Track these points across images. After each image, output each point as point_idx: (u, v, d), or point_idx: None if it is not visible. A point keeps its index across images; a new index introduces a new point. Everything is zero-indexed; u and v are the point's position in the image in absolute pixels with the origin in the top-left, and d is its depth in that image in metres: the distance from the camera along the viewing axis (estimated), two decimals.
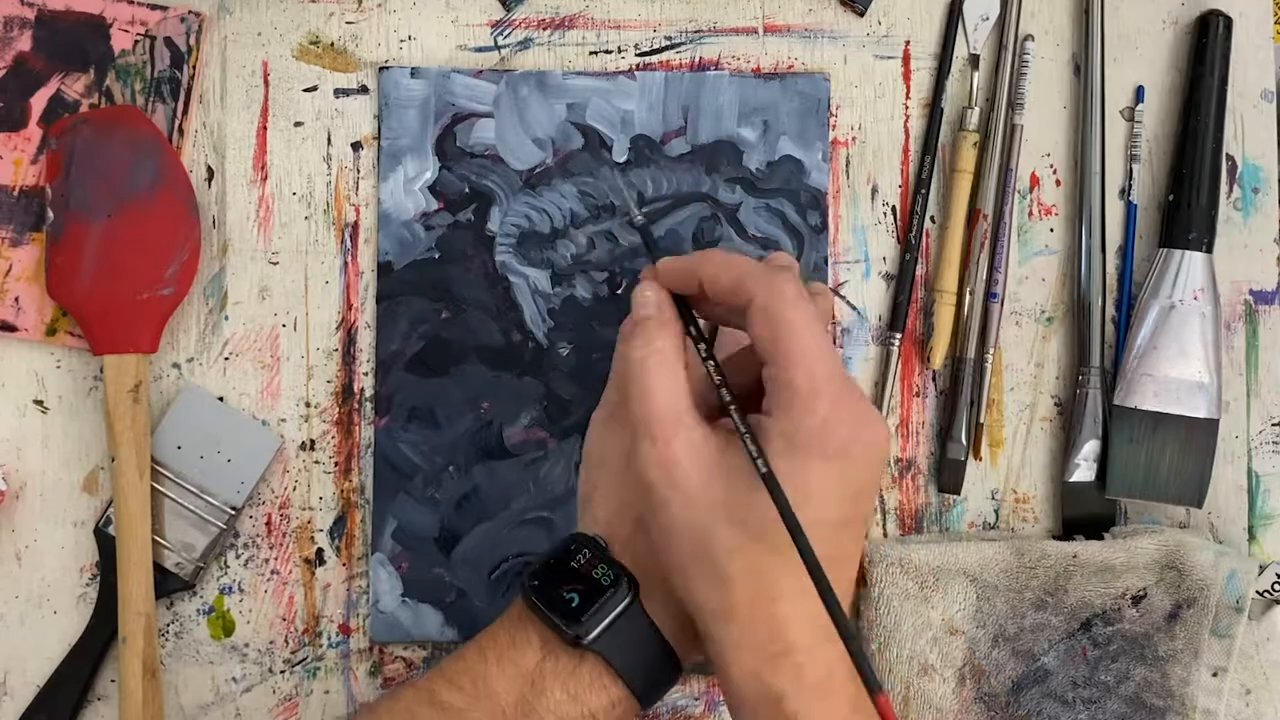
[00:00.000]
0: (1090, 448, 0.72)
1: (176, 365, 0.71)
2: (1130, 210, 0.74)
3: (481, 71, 0.72)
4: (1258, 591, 0.70)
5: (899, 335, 0.73)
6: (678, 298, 0.59)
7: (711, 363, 0.58)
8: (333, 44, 0.73)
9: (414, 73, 0.72)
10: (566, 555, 0.58)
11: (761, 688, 0.54)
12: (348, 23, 0.73)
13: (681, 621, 0.58)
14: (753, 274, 0.57)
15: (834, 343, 0.73)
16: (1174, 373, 0.72)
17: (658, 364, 0.57)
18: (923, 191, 0.73)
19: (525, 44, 0.73)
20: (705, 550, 0.55)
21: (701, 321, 0.59)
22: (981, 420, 0.73)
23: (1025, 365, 0.74)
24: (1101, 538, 0.72)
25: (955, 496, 0.73)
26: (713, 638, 0.56)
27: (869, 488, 0.57)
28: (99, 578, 0.70)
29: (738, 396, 0.57)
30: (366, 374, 0.72)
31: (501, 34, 0.73)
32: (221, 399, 0.71)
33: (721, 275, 0.57)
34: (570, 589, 0.57)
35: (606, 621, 0.56)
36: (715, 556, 0.55)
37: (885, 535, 0.73)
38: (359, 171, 0.72)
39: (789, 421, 0.55)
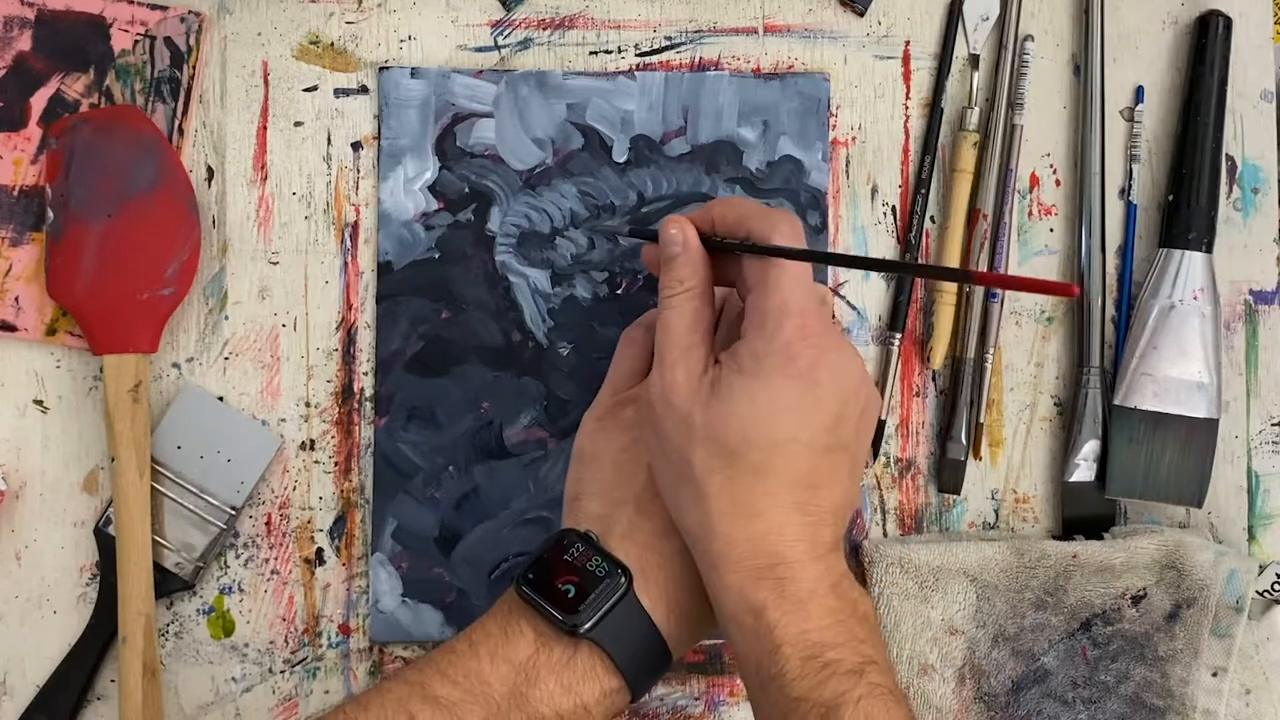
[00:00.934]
0: (1090, 448, 0.72)
1: (176, 365, 0.71)
2: (1130, 210, 0.74)
3: (481, 71, 0.72)
4: (1258, 591, 0.70)
5: (899, 335, 0.73)
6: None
7: (721, 242, 0.62)
8: (333, 44, 0.73)
9: (414, 73, 0.72)
10: (559, 549, 0.60)
11: (745, 601, 0.56)
12: (348, 23, 0.73)
13: (672, 610, 0.60)
14: (753, 212, 0.61)
15: None
16: (1174, 373, 0.72)
17: (684, 299, 0.61)
18: (923, 191, 0.73)
19: (525, 44, 0.73)
20: (687, 470, 0.58)
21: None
22: (981, 420, 0.73)
23: (1025, 365, 0.74)
24: (1101, 538, 0.72)
25: (955, 496, 0.73)
26: (700, 554, 0.58)
27: (846, 415, 0.59)
28: (99, 578, 0.70)
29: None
30: (366, 374, 0.72)
31: (501, 34, 0.73)
32: (221, 399, 0.71)
33: (728, 213, 0.62)
34: (566, 581, 0.58)
35: (603, 610, 0.58)
36: (695, 475, 0.58)
37: (885, 535, 0.73)
38: (359, 171, 0.72)
39: (758, 341, 0.58)
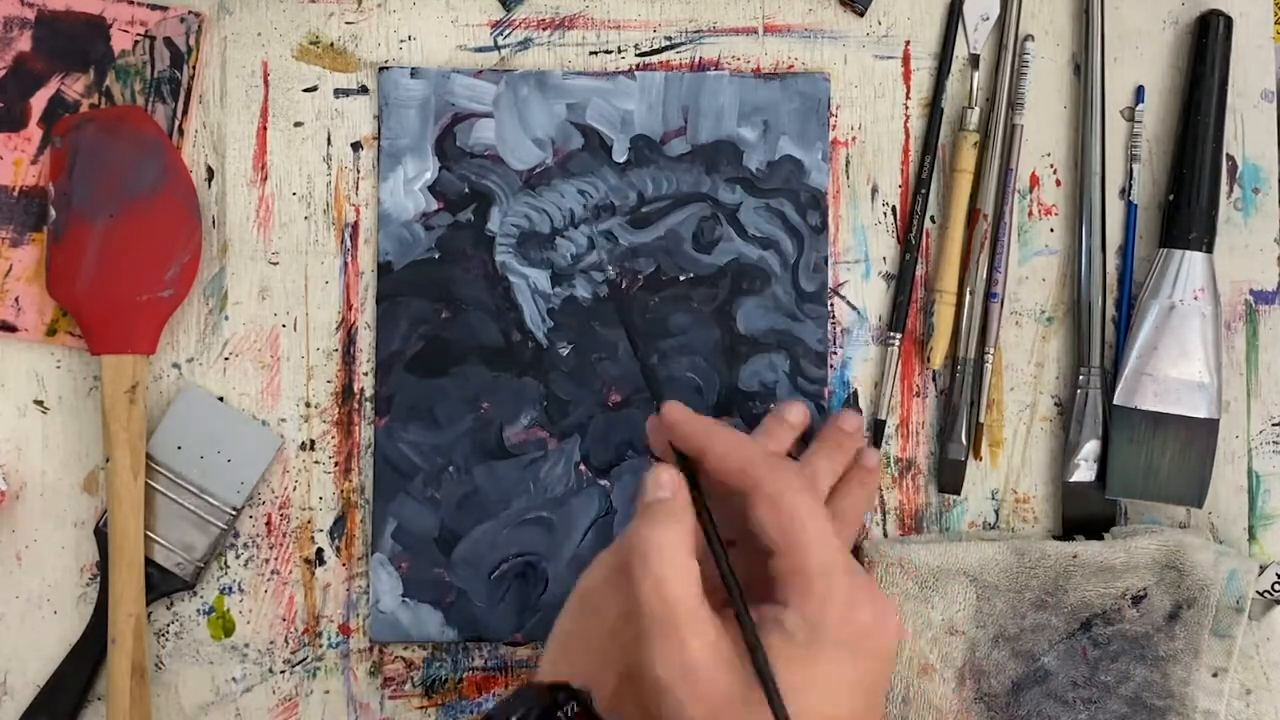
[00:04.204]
0: (1090, 448, 0.72)
1: (176, 365, 0.71)
2: (1130, 210, 0.74)
3: (481, 71, 0.72)
4: (1258, 591, 0.70)
5: (899, 335, 0.73)
6: (683, 461, 0.58)
7: (721, 553, 0.56)
8: (333, 44, 0.73)
9: (414, 73, 0.72)
10: (554, 704, 0.55)
11: None
12: (348, 23, 0.73)
13: None
14: (758, 460, 0.56)
15: (833, 344, 0.73)
16: (1174, 373, 0.72)
17: (672, 555, 0.54)
18: (923, 191, 0.73)
19: (525, 44, 0.73)
20: None
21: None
22: (981, 420, 0.73)
23: (1025, 365, 0.74)
24: (1101, 538, 0.72)
25: (955, 496, 0.73)
26: None
27: (882, 680, 0.56)
28: (99, 578, 0.70)
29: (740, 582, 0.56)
30: (366, 374, 0.72)
31: (501, 34, 0.73)
32: (221, 399, 0.71)
33: (728, 458, 0.57)
34: None
35: None
36: None
37: (885, 535, 0.73)
38: (359, 171, 0.72)
39: (812, 608, 0.54)
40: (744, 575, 0.56)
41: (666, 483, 0.56)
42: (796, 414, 0.68)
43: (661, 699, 0.54)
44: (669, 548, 0.54)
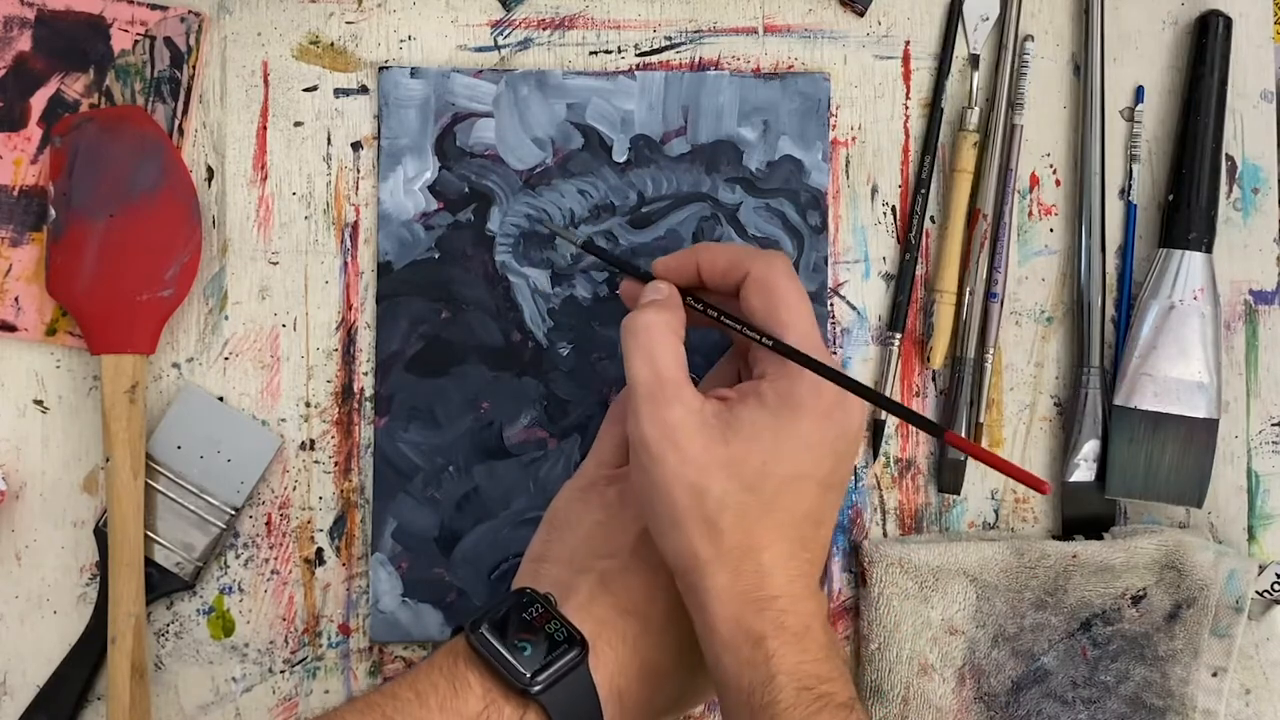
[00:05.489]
0: (1090, 448, 0.72)
1: (176, 365, 0.71)
2: (1130, 210, 0.74)
3: (481, 71, 0.72)
4: (1257, 591, 0.70)
5: (899, 335, 0.73)
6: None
7: (714, 313, 0.63)
8: (333, 44, 0.73)
9: (414, 73, 0.72)
10: (518, 607, 0.59)
11: (744, 629, 0.57)
12: (348, 23, 0.73)
13: (613, 692, 0.59)
14: (749, 252, 0.62)
15: (833, 344, 0.73)
16: (1174, 373, 0.72)
17: (663, 332, 0.61)
18: (923, 191, 0.73)
19: (525, 44, 0.73)
20: (699, 503, 0.58)
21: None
22: (981, 420, 0.73)
23: (1025, 365, 0.74)
24: (1101, 538, 0.72)
25: (955, 496, 0.73)
26: (701, 587, 0.58)
27: (850, 452, 0.61)
28: (99, 578, 0.70)
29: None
30: (366, 374, 0.72)
31: (501, 34, 0.73)
32: (221, 399, 0.71)
33: (718, 257, 0.63)
34: (522, 638, 0.58)
35: (558, 675, 0.57)
36: (708, 509, 0.58)
37: (885, 535, 0.73)
38: (359, 171, 0.72)
39: (785, 381, 0.59)
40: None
41: (661, 288, 0.63)
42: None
43: (641, 462, 0.59)
44: (658, 326, 0.61)
